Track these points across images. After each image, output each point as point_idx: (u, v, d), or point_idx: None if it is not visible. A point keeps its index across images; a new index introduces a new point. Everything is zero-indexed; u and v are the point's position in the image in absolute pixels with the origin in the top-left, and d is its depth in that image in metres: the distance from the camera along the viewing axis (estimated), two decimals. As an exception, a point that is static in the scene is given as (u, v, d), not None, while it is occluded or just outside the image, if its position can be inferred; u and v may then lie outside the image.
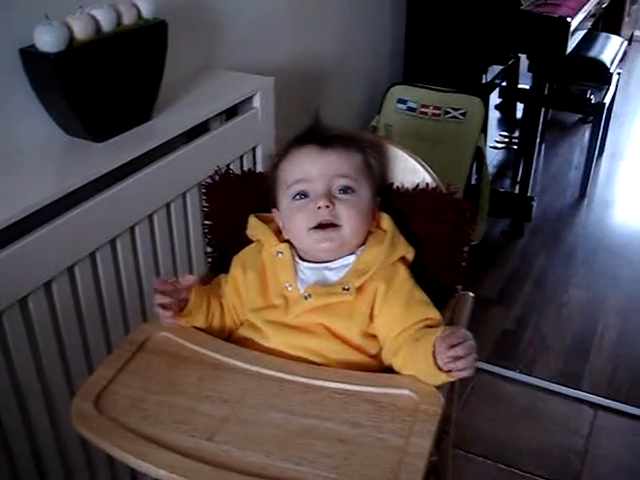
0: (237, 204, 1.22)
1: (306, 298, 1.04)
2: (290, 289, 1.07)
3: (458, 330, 0.93)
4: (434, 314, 1.05)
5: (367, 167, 1.13)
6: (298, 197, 1.09)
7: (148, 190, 1.41)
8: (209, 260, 1.27)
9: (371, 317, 1.05)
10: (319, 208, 1.06)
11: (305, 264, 1.10)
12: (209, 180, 1.25)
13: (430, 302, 1.07)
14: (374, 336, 1.05)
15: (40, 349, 1.27)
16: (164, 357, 1.03)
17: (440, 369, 0.92)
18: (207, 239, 1.27)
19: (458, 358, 0.90)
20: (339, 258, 1.09)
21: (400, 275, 1.08)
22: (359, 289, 1.05)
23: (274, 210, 1.16)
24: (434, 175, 1.22)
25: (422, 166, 1.22)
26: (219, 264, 1.23)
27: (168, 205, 1.49)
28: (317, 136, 1.11)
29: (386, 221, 1.13)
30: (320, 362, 1.02)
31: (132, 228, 1.41)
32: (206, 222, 1.26)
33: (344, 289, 1.04)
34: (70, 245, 1.26)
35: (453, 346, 0.90)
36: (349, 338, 1.04)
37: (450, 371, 0.92)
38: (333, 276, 1.08)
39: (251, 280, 1.11)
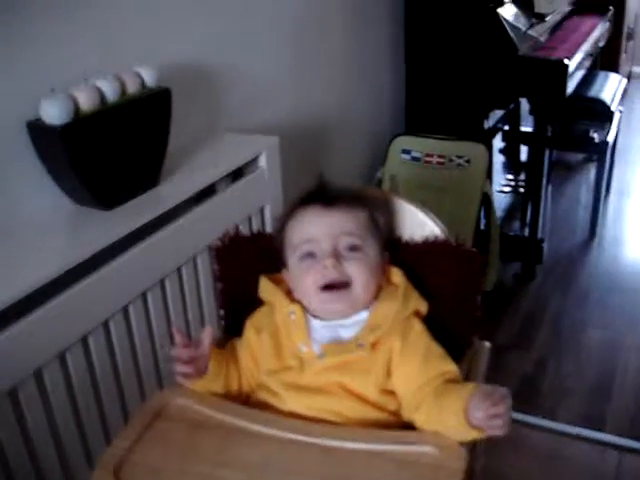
0: (248, 266, 1.22)
1: (320, 357, 1.04)
2: (305, 350, 1.06)
3: (498, 388, 0.92)
4: (452, 367, 1.04)
5: (373, 223, 1.13)
6: (305, 257, 1.09)
7: (158, 255, 1.42)
8: (222, 323, 1.26)
9: (388, 373, 1.04)
10: (326, 267, 1.06)
11: (318, 322, 1.09)
12: (219, 243, 1.25)
13: (447, 355, 1.06)
14: (392, 392, 1.04)
15: (56, 420, 1.26)
16: (181, 424, 1.02)
17: (472, 426, 0.91)
18: (219, 302, 1.27)
19: (496, 416, 0.89)
20: (352, 316, 1.08)
21: (415, 329, 1.07)
22: (374, 345, 1.04)
23: (284, 270, 1.16)
24: (442, 226, 1.22)
25: (430, 218, 1.22)
26: (233, 327, 1.22)
27: (179, 269, 1.49)
28: (322, 195, 1.12)
29: (397, 275, 1.13)
30: (339, 422, 1.01)
31: (144, 294, 1.41)
32: (218, 285, 1.26)
33: (358, 345, 1.04)
34: (83, 314, 1.27)
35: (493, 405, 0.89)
36: (366, 395, 1.03)
37: (483, 429, 0.91)
38: (347, 333, 1.07)
39: (265, 342, 1.10)
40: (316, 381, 1.04)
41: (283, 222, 1.15)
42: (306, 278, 1.08)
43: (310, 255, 1.09)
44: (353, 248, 1.08)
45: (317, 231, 1.09)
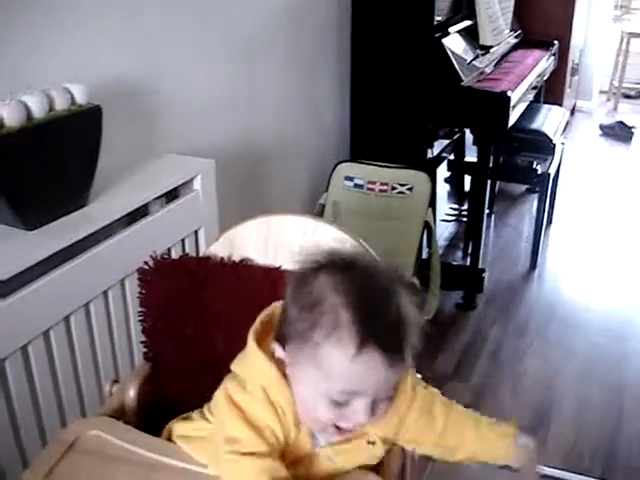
0: (172, 290, 1.18)
1: (330, 459, 0.98)
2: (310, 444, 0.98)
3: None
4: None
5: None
6: (342, 396, 0.92)
7: (85, 278, 1.37)
8: (144, 350, 1.22)
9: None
10: (359, 422, 0.93)
11: None
12: (144, 266, 1.21)
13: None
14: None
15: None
16: (94, 457, 0.97)
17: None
18: (142, 326, 1.22)
19: None
20: None
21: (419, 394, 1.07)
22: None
23: (275, 345, 0.96)
24: (376, 257, 1.19)
25: (364, 248, 1.20)
26: (153, 353, 1.18)
27: (105, 293, 1.44)
28: (389, 339, 0.90)
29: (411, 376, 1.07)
30: None
31: (67, 318, 1.35)
32: (140, 309, 1.21)
33: (369, 443, 1.01)
34: (1, 339, 1.21)
35: None
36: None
37: None
38: None
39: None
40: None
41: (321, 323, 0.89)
42: (326, 411, 0.92)
43: (347, 397, 0.92)
44: (388, 398, 0.96)
45: (368, 385, 0.91)
